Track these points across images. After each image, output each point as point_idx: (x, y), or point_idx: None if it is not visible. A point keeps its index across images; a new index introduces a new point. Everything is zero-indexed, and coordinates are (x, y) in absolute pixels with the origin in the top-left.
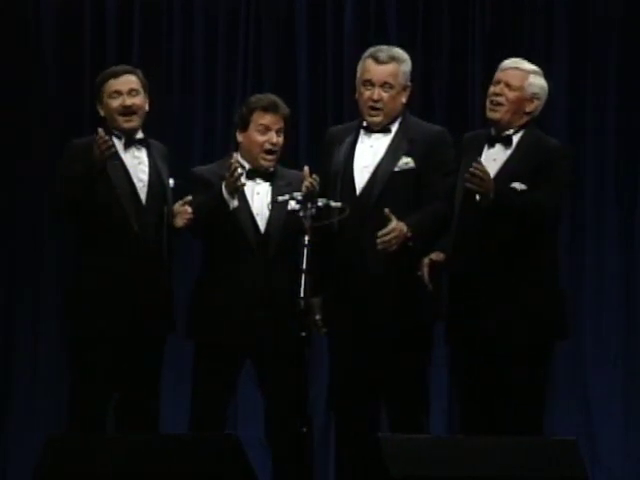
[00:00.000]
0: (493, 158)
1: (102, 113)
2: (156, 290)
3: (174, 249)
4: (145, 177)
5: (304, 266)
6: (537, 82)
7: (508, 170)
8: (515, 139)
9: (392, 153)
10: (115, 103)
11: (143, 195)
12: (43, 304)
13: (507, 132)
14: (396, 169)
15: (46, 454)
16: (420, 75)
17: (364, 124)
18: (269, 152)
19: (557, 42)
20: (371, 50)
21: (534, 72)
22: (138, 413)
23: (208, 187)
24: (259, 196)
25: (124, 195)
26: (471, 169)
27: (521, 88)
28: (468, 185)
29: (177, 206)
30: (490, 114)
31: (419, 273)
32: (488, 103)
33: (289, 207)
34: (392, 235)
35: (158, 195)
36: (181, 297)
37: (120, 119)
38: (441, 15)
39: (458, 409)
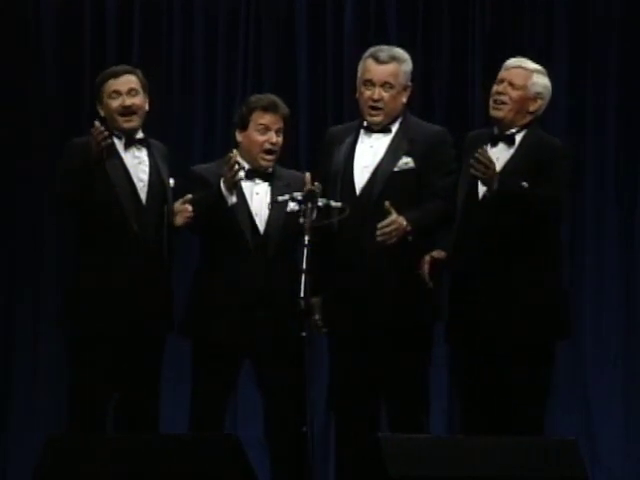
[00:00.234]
0: (496, 157)
1: (102, 113)
2: (156, 290)
3: (174, 249)
4: (145, 177)
5: (304, 266)
6: (541, 81)
7: (510, 169)
8: (518, 138)
9: (392, 153)
10: (115, 103)
11: (143, 195)
12: (43, 304)
13: (510, 131)
14: (396, 169)
15: (46, 454)
16: (420, 75)
17: (364, 124)
18: (268, 152)
19: (557, 42)
20: (372, 50)
21: (538, 71)
22: (138, 413)
23: (207, 186)
24: (258, 196)
25: (124, 195)
26: (476, 154)
27: (524, 87)
28: (472, 171)
29: (177, 205)
30: (493, 112)
31: (419, 271)
32: (491, 102)
33: (288, 209)
34: (392, 227)
35: (158, 195)
36: (181, 297)
37: (120, 119)
38: (441, 15)
39: (458, 409)
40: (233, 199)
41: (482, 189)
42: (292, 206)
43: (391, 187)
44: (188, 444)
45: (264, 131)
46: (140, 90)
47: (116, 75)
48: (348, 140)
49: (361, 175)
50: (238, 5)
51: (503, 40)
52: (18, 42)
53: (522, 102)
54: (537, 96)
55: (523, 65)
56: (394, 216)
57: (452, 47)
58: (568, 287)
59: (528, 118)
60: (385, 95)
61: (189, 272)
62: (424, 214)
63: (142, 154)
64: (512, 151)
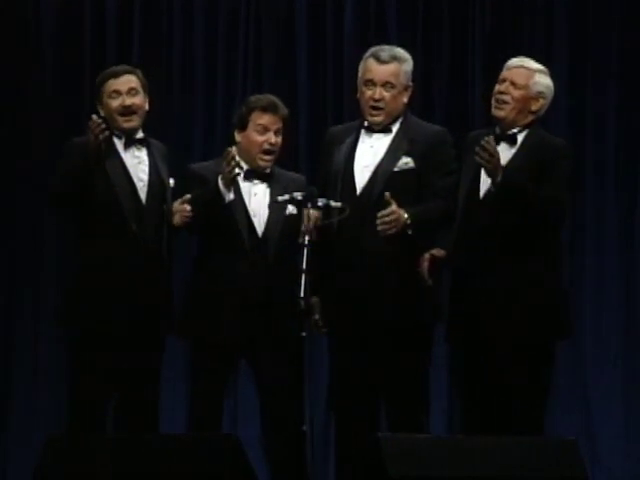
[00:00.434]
0: None
1: (102, 113)
2: (156, 290)
3: (173, 249)
4: (145, 177)
5: (304, 266)
6: (543, 81)
7: (512, 168)
8: (520, 138)
9: (392, 153)
10: (115, 103)
11: (143, 195)
12: (43, 304)
13: (512, 131)
14: (396, 169)
15: (46, 454)
16: (420, 75)
17: (365, 124)
18: (267, 152)
19: (557, 42)
20: (373, 50)
21: (540, 71)
22: (138, 413)
23: (205, 184)
24: (256, 197)
25: (124, 194)
26: (482, 142)
27: (526, 87)
28: (477, 159)
29: (176, 204)
30: (495, 112)
31: (418, 268)
32: (493, 101)
33: (287, 212)
34: (392, 217)
35: (158, 195)
36: (180, 297)
37: (120, 119)
38: (441, 15)
39: (458, 409)
40: (230, 196)
41: (483, 188)
42: (290, 209)
43: (391, 187)
44: (188, 444)
45: (263, 131)
46: (140, 90)
47: (116, 75)
48: (349, 140)
49: (361, 175)
50: (238, 5)
51: (503, 40)
52: (18, 42)
53: (524, 101)
54: (539, 95)
55: (525, 65)
56: (394, 207)
57: (452, 47)
58: (568, 287)
59: (530, 118)
60: (386, 95)
61: (189, 272)
62: (424, 210)
63: (142, 154)
64: (514, 151)
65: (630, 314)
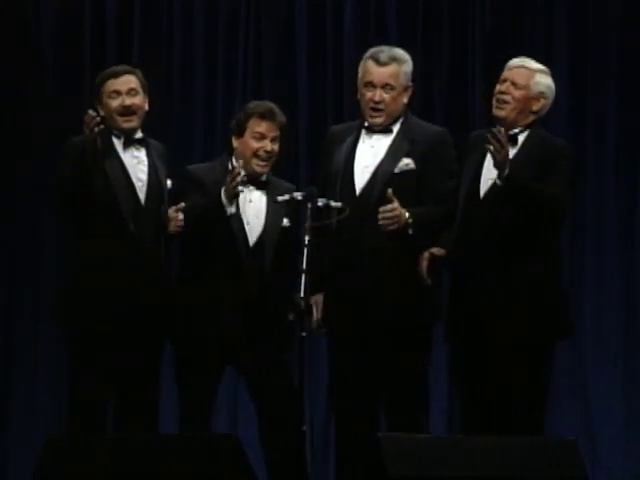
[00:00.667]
0: None
1: (102, 113)
2: (155, 290)
3: (170, 251)
4: (144, 177)
5: (304, 266)
6: (544, 81)
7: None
8: (521, 138)
9: (393, 154)
10: (114, 103)
11: (142, 195)
12: (43, 304)
13: (513, 131)
14: (396, 170)
15: (46, 454)
16: (420, 75)
17: (365, 124)
18: (263, 158)
19: (557, 42)
20: (372, 51)
21: (541, 71)
22: (138, 413)
23: (201, 187)
24: (251, 204)
25: (122, 194)
26: (493, 129)
27: (527, 87)
28: (486, 146)
29: (171, 212)
30: (496, 112)
31: (417, 267)
32: (494, 101)
33: (283, 224)
34: (393, 213)
35: (157, 195)
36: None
37: (119, 119)
38: (441, 15)
39: (458, 409)
40: (232, 209)
41: (483, 188)
42: (285, 222)
43: (391, 188)
44: (188, 444)
45: (260, 138)
46: (140, 90)
47: (116, 75)
48: (349, 140)
49: (361, 175)
50: (238, 5)
51: (503, 40)
52: (18, 42)
53: (525, 102)
54: (540, 96)
55: (526, 65)
56: (396, 204)
57: (452, 47)
58: (568, 287)
59: (531, 118)
60: (386, 96)
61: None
62: (425, 211)
63: (141, 154)
64: (515, 151)
65: (630, 314)
